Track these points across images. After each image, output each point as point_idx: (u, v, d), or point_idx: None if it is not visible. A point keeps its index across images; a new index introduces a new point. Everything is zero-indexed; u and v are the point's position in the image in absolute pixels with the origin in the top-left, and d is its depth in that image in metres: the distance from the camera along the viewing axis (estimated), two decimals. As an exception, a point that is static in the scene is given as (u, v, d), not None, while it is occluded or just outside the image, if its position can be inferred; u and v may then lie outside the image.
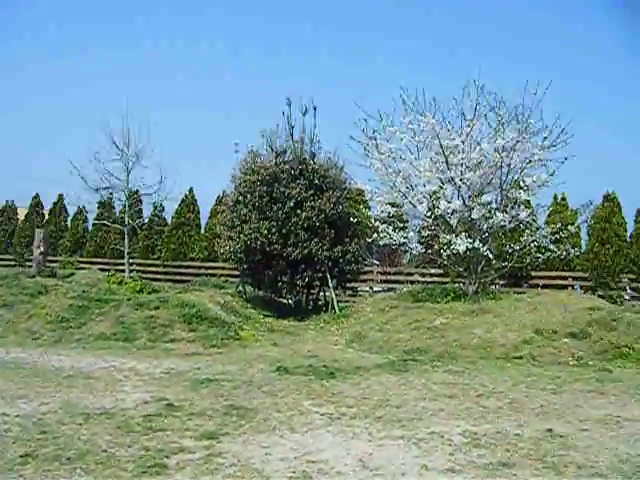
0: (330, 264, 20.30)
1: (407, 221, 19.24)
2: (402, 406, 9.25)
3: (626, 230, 24.46)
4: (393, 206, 18.36)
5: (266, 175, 20.02)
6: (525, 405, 9.41)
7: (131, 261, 30.20)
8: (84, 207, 32.44)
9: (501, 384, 10.76)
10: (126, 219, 23.07)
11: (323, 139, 21.47)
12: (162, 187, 23.46)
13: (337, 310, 19.85)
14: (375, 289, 26.03)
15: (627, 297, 24.11)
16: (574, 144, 17.53)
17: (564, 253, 19.36)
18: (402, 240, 18.13)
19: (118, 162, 22.85)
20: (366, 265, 24.98)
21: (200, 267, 28.04)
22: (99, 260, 30.58)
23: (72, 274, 22.61)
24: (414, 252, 19.14)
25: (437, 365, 12.26)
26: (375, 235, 18.24)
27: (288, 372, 11.48)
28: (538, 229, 18.89)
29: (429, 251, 18.89)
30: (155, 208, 31.38)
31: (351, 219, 19.21)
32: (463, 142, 17.28)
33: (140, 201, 31.78)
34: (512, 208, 18.38)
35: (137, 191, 31.77)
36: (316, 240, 19.90)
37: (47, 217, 33.94)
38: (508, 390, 10.33)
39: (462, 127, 17.54)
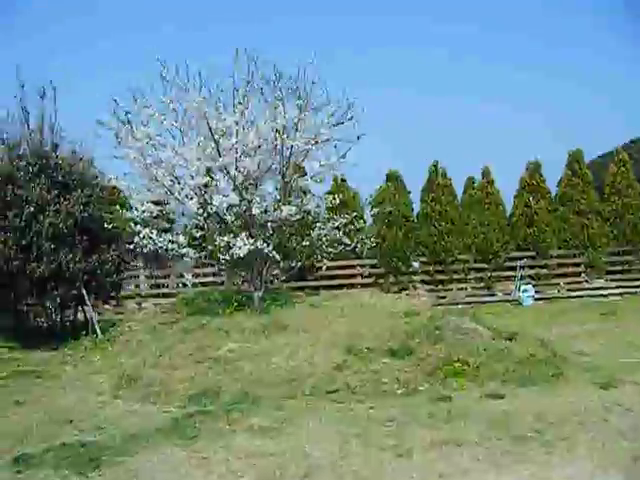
0: (86, 277, 16.78)
1: (173, 221, 16.05)
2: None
3: (412, 210, 22.81)
4: (157, 204, 15.12)
5: (-4, 175, 16.12)
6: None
7: None
8: None
9: (324, 444, 8.03)
10: None
11: (68, 127, 17.70)
12: None
13: (99, 333, 16.43)
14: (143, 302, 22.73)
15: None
16: (366, 119, 15.24)
17: (359, 245, 17.07)
18: (168, 245, 14.94)
19: None
20: (129, 270, 21.69)
21: None
22: None
23: None
24: (186, 258, 15.93)
25: (235, 419, 9.28)
26: (137, 240, 14.92)
27: (30, 464, 7.98)
28: (329, 220, 16.44)
29: (204, 254, 15.86)
30: None
31: (105, 225, 15.67)
32: (237, 123, 14.37)
33: None
34: (297, 198, 15.81)
35: None
36: (66, 250, 16.29)
37: None
38: (337, 457, 7.61)
39: (235, 105, 14.63)
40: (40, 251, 16.09)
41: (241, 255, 14.31)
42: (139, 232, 14.70)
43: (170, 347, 12.66)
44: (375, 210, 20.45)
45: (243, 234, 14.48)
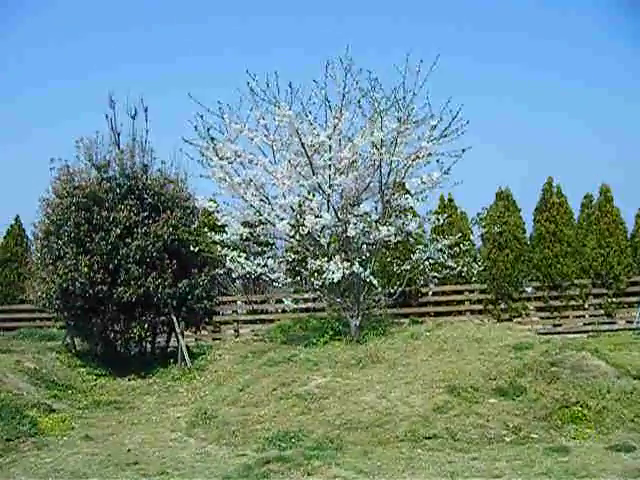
0: (175, 303, 15.98)
1: (268, 244, 14.99)
2: None
3: (525, 231, 21.16)
4: (247, 226, 14.16)
5: (82, 197, 15.49)
6: None
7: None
8: None
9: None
10: None
11: (158, 148, 17.03)
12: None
13: (188, 362, 15.56)
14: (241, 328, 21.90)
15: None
16: (471, 133, 13.93)
17: (465, 268, 15.61)
18: (258, 270, 13.91)
19: None
20: (227, 295, 20.92)
21: (34, 311, 22.97)
22: None
23: None
24: (277, 284, 14.85)
25: (315, 467, 8.07)
26: (229, 264, 13.98)
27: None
28: (432, 242, 15.13)
29: (297, 279, 14.79)
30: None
31: (191, 247, 14.73)
32: (329, 137, 13.29)
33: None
34: (397, 218, 14.58)
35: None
36: (154, 275, 15.53)
37: None
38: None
39: (328, 119, 13.57)
40: (127, 275, 15.40)
41: (334, 280, 13.17)
42: (226, 255, 13.78)
43: (254, 380, 11.60)
44: (484, 231, 18.99)
45: (337, 257, 13.36)
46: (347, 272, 13.22)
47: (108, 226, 15.46)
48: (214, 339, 20.86)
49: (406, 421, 9.24)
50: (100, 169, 16.19)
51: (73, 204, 15.39)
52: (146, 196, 16.05)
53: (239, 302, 22.27)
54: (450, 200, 21.23)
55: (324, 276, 13.32)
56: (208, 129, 13.64)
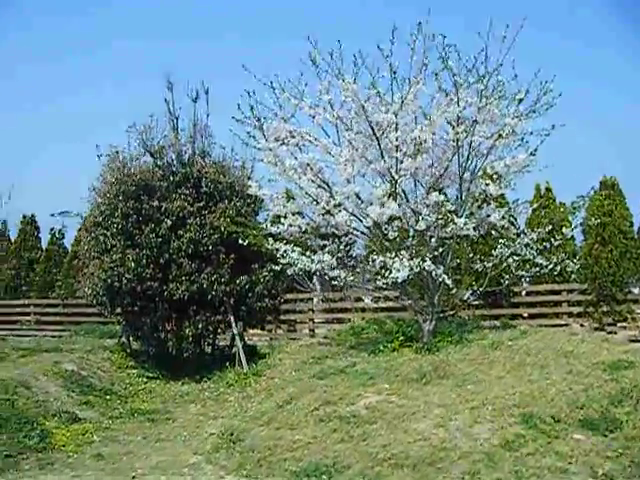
0: (233, 301, 14.53)
1: (327, 236, 13.23)
2: None
3: (632, 225, 18.74)
4: (303, 217, 12.49)
5: (131, 185, 14.19)
6: None
7: (27, 301, 24.87)
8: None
9: None
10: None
11: (217, 133, 15.62)
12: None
13: (245, 367, 14.10)
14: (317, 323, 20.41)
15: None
16: (563, 108, 11.88)
17: (557, 267, 13.46)
18: (313, 266, 12.21)
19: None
20: (303, 292, 19.36)
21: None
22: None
23: None
24: (337, 282, 13.07)
25: None
26: (281, 260, 12.37)
27: None
28: (519, 235, 13.12)
29: (361, 277, 13.07)
30: (54, 235, 25.81)
31: (240, 241, 13.12)
32: (395, 114, 11.48)
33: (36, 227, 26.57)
34: (479, 208, 12.65)
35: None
36: (209, 270, 14.14)
37: None
38: None
39: (401, 92, 11.69)
40: (179, 271, 14.05)
41: (400, 278, 11.38)
42: (277, 250, 12.19)
43: (299, 395, 9.96)
44: (584, 224, 16.82)
45: (404, 253, 11.58)
46: (416, 270, 11.40)
47: (159, 217, 14.19)
48: (290, 339, 19.36)
49: (465, 459, 7.34)
50: (154, 155, 14.88)
51: (121, 193, 14.16)
52: (202, 184, 14.65)
53: (315, 300, 20.70)
54: (548, 189, 19.05)
55: (391, 274, 11.53)
56: (252, 107, 11.98)
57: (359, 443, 8.00)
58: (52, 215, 27.26)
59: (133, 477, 8.23)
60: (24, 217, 26.27)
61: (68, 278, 23.63)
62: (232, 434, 9.12)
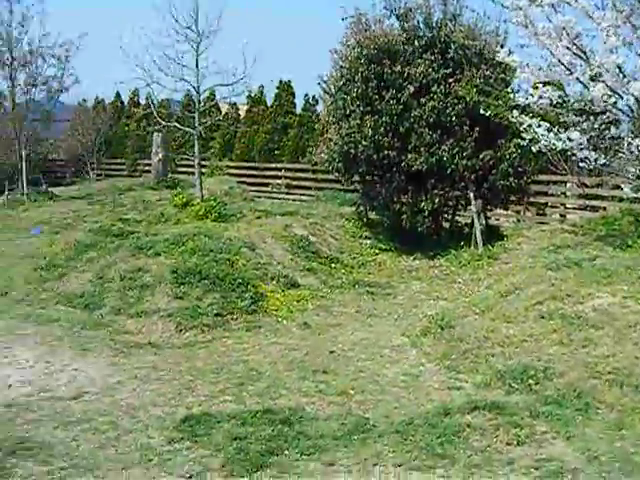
0: (474, 178, 13.69)
1: (582, 112, 11.79)
2: None
3: None
4: (556, 88, 11.16)
5: (373, 48, 13.51)
6: None
7: (279, 165, 25.26)
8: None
9: None
10: (196, 119, 16.72)
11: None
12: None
13: (480, 248, 13.35)
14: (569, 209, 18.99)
15: None
16: None
17: None
18: (559, 144, 10.94)
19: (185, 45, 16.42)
20: (557, 173, 17.98)
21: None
22: (245, 165, 25.82)
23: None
24: (584, 164, 11.73)
25: (524, 438, 5.58)
26: (525, 135, 11.25)
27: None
28: None
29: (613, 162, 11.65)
30: (307, 101, 25.90)
31: (482, 111, 12.01)
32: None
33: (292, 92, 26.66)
34: None
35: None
36: (450, 143, 13.35)
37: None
38: None
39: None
40: (419, 141, 13.37)
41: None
42: (522, 123, 11.06)
43: (524, 285, 9.06)
44: None
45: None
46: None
47: (401, 83, 13.49)
48: (538, 222, 18.23)
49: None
50: (400, 17, 14.05)
51: (363, 56, 13.55)
52: (450, 50, 13.68)
53: (569, 184, 19.21)
54: None
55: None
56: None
57: (578, 349, 7.05)
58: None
59: (331, 352, 7.93)
60: (280, 82, 26.39)
61: (318, 144, 23.74)
62: (443, 319, 8.51)
